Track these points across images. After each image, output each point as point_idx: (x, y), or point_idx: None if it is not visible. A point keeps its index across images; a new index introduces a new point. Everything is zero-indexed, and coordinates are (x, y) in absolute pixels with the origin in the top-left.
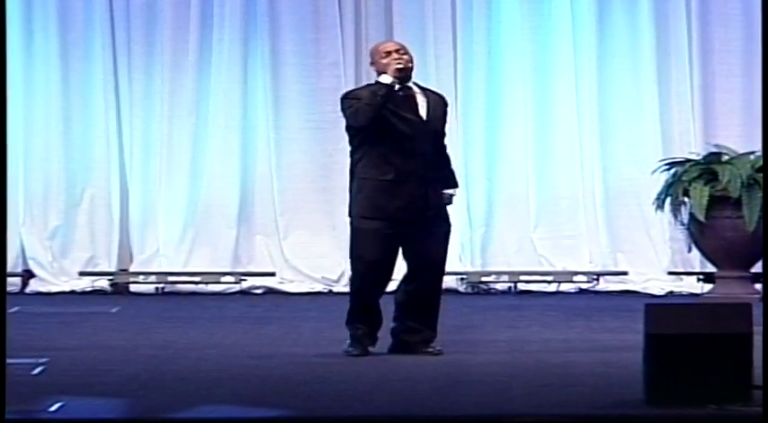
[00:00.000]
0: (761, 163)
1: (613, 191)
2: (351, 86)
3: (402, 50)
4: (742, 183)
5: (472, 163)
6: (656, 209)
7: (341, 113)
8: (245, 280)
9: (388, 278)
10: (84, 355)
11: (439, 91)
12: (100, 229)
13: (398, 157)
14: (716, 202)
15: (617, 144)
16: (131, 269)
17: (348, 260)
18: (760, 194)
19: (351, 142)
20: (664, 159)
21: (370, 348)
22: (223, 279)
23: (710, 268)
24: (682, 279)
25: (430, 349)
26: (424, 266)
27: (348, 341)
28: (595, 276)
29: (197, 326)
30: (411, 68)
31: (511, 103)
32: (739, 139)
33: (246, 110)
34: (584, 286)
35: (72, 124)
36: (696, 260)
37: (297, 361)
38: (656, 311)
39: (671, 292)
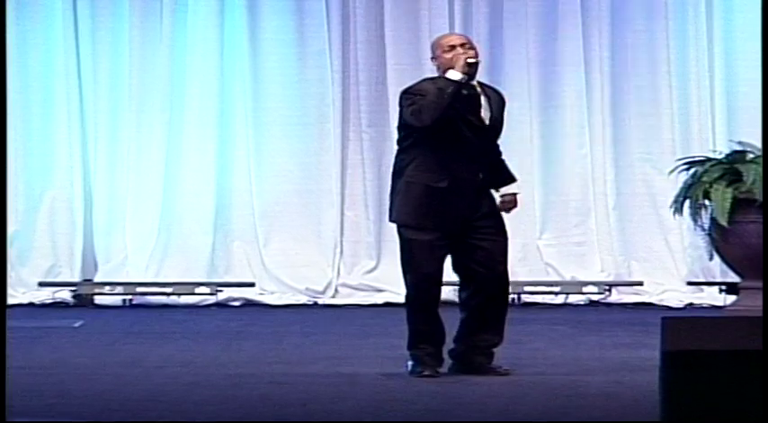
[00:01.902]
0: None
1: (626, 193)
2: (338, 77)
3: (468, 44)
4: None
5: None
6: (674, 213)
7: (327, 108)
8: (221, 291)
9: (440, 292)
10: (44, 374)
11: (497, 87)
12: (62, 234)
13: (456, 162)
14: (740, 205)
15: (630, 141)
16: (96, 279)
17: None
18: None
19: (401, 141)
20: (682, 158)
21: (439, 369)
22: (197, 290)
23: (734, 278)
24: (702, 290)
25: (496, 368)
26: (486, 282)
27: (410, 363)
28: (607, 287)
29: (168, 342)
30: (479, 64)
31: (514, 97)
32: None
33: (223, 104)
34: (595, 298)
35: (31, 119)
36: (718, 269)
37: (279, 381)
38: (673, 326)
39: (690, 305)
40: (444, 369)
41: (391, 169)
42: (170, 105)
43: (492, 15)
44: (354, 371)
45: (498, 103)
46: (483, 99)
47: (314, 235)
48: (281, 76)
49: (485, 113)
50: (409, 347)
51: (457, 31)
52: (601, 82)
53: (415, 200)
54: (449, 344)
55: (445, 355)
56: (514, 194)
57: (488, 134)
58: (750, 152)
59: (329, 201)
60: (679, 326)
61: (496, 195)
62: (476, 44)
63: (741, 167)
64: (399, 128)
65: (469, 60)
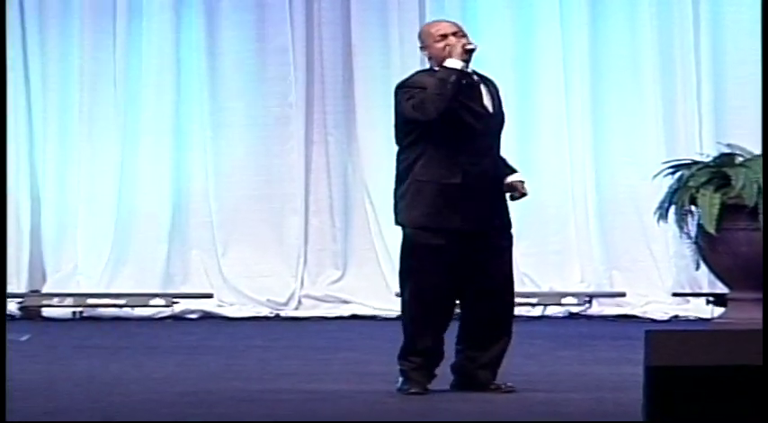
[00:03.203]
0: None
1: (608, 198)
2: (301, 75)
3: (460, 32)
4: (758, 189)
5: None
6: (659, 219)
7: (289, 108)
8: (177, 303)
9: (453, 304)
10: None
11: (488, 75)
12: (7, 243)
13: (467, 156)
14: (728, 211)
15: (612, 144)
16: (44, 290)
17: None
18: None
19: (402, 139)
20: (667, 161)
21: (428, 386)
22: (152, 302)
23: (722, 289)
24: (688, 302)
25: (501, 385)
26: (497, 288)
27: (400, 379)
28: (587, 298)
29: (122, 356)
30: (474, 51)
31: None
32: (755, 138)
33: (179, 104)
34: (575, 310)
35: None
36: (705, 279)
37: (239, 397)
38: (658, 340)
39: (676, 317)
40: (445, 385)
41: (394, 171)
42: (123, 106)
43: (465, 12)
44: (320, 388)
45: (495, 91)
46: (482, 87)
47: (276, 243)
48: (241, 75)
49: (487, 101)
50: (399, 358)
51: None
52: (580, 80)
53: (428, 199)
54: (452, 356)
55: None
56: (521, 181)
57: (493, 123)
58: (739, 155)
59: (292, 207)
60: (664, 340)
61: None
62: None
63: (730, 171)
64: (398, 125)
65: (468, 46)
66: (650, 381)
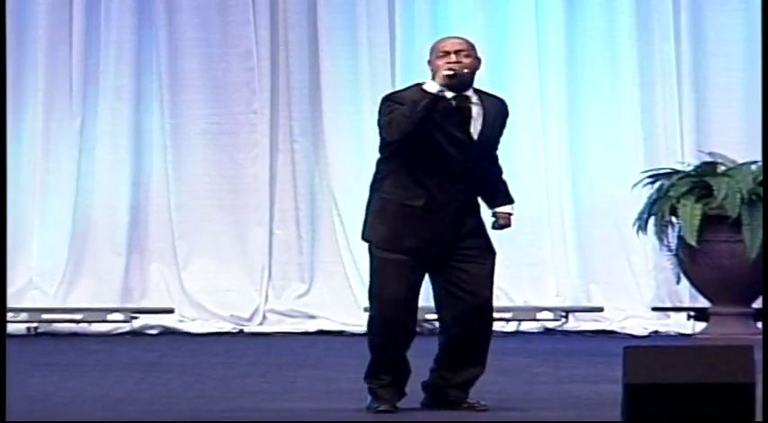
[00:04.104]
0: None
1: (586, 209)
2: (266, 81)
3: (464, 52)
4: (742, 199)
5: None
6: (638, 231)
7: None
8: (136, 318)
9: (414, 321)
10: None
11: (501, 96)
12: None
13: (435, 180)
14: (710, 222)
15: (590, 152)
16: None
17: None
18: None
19: (380, 150)
20: (647, 171)
21: (398, 404)
22: (110, 317)
23: (703, 303)
24: (668, 316)
25: (474, 404)
26: (469, 310)
27: (369, 397)
28: (564, 313)
29: (78, 374)
30: (466, 75)
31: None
32: (738, 147)
33: (138, 110)
34: (551, 325)
35: None
36: (686, 293)
37: (200, 417)
38: (637, 356)
39: (655, 333)
40: (415, 403)
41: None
42: (79, 112)
43: (436, 15)
44: (285, 406)
45: (495, 115)
46: (477, 112)
47: (239, 256)
48: (203, 80)
49: (474, 128)
50: (366, 377)
51: (397, 30)
52: (556, 86)
53: (390, 219)
54: (422, 375)
55: (416, 388)
56: (508, 214)
57: (474, 151)
58: (721, 164)
59: (256, 218)
60: (643, 356)
61: (488, 213)
62: (477, 50)
63: (711, 181)
64: (379, 136)
65: (446, 72)
66: (629, 398)
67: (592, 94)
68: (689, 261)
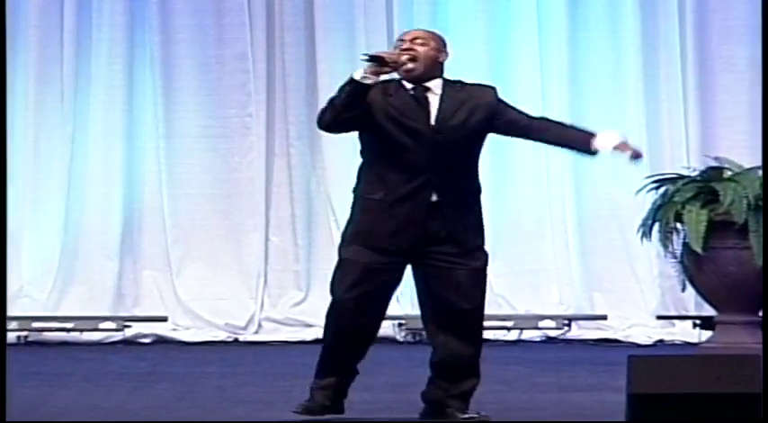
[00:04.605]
0: None
1: (588, 215)
2: (262, 83)
3: (420, 40)
4: (748, 205)
5: None
6: (642, 237)
7: (249, 118)
8: (129, 326)
9: (371, 324)
10: None
11: (488, 84)
12: None
13: (395, 173)
14: (716, 228)
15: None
16: None
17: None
18: None
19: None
20: (651, 176)
21: (330, 403)
22: (102, 325)
23: (709, 311)
24: (673, 325)
25: (473, 415)
26: (449, 320)
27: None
28: (566, 321)
29: (69, 384)
30: (405, 63)
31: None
32: (745, 151)
33: (131, 113)
34: (553, 334)
35: None
36: (691, 301)
37: None
38: (641, 366)
39: (660, 342)
40: (414, 413)
41: None
42: (72, 115)
43: (435, 17)
44: (280, 416)
45: (463, 103)
46: (436, 100)
47: (234, 262)
48: (197, 83)
49: (434, 117)
50: (314, 376)
51: (396, 29)
52: (558, 89)
53: (356, 215)
54: (421, 384)
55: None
56: (614, 142)
57: (438, 141)
58: (728, 169)
59: (252, 223)
60: (647, 365)
61: (610, 145)
62: (440, 43)
63: (717, 186)
64: None
65: (362, 56)
66: (633, 409)
67: (595, 96)
68: (694, 268)
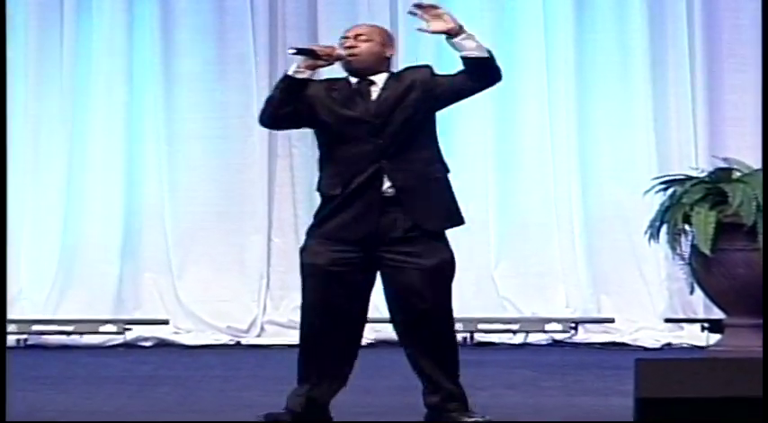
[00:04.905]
0: None
1: (595, 216)
2: (265, 84)
3: (363, 36)
4: (757, 206)
5: None
6: (650, 239)
7: (251, 119)
8: (129, 329)
9: (344, 328)
10: None
11: (420, 64)
12: None
13: (348, 166)
14: (725, 230)
15: (600, 157)
16: None
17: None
18: None
19: None
20: (659, 177)
21: (301, 411)
22: (102, 328)
23: (718, 314)
24: (682, 328)
25: (471, 418)
26: (410, 321)
27: None
28: (573, 324)
29: (70, 387)
30: (342, 56)
31: (466, 107)
32: (753, 152)
33: (131, 114)
34: (559, 337)
35: None
36: (700, 304)
37: None
38: (649, 369)
39: (668, 345)
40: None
41: None
42: (71, 115)
43: None
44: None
45: (400, 85)
46: (375, 89)
47: (236, 265)
48: (199, 83)
49: (370, 105)
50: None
51: (400, 33)
52: (565, 89)
53: (317, 214)
54: (414, 389)
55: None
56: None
57: (382, 128)
58: (736, 170)
59: (254, 225)
60: (655, 369)
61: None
62: (383, 37)
63: (726, 187)
64: None
65: (289, 51)
66: (641, 413)
67: (602, 96)
68: (703, 270)
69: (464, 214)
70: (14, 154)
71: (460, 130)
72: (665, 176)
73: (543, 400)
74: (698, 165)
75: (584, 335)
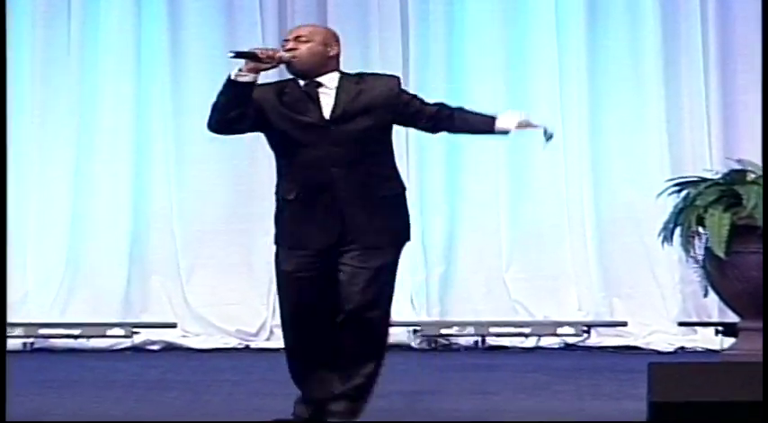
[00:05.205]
0: None
1: (608, 219)
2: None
3: (303, 38)
4: None
5: (427, 183)
6: (663, 242)
7: None
8: (137, 333)
9: (322, 326)
10: None
11: (387, 73)
12: None
13: (302, 171)
14: (739, 232)
15: (612, 158)
16: None
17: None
18: None
19: None
20: (672, 179)
21: (309, 416)
22: (110, 332)
23: (732, 318)
24: (695, 331)
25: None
26: (344, 317)
27: None
28: (585, 328)
29: (77, 392)
30: (283, 59)
31: (476, 108)
32: None
33: (139, 114)
34: (572, 340)
35: None
36: (714, 307)
37: None
38: (662, 373)
39: (682, 349)
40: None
41: None
42: (78, 116)
43: (451, 15)
44: None
45: (360, 93)
46: (331, 93)
47: (245, 267)
48: (208, 82)
49: (328, 110)
50: None
51: (411, 32)
52: (577, 89)
53: (278, 217)
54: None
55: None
56: (517, 121)
57: (334, 133)
58: (751, 171)
59: (262, 227)
60: (669, 373)
61: (513, 123)
62: (325, 37)
63: (740, 189)
64: None
65: (228, 54)
66: (654, 417)
67: (614, 97)
68: (717, 273)
69: (474, 218)
70: (20, 155)
71: (472, 137)
72: (678, 178)
73: (555, 405)
74: (712, 166)
75: (596, 338)
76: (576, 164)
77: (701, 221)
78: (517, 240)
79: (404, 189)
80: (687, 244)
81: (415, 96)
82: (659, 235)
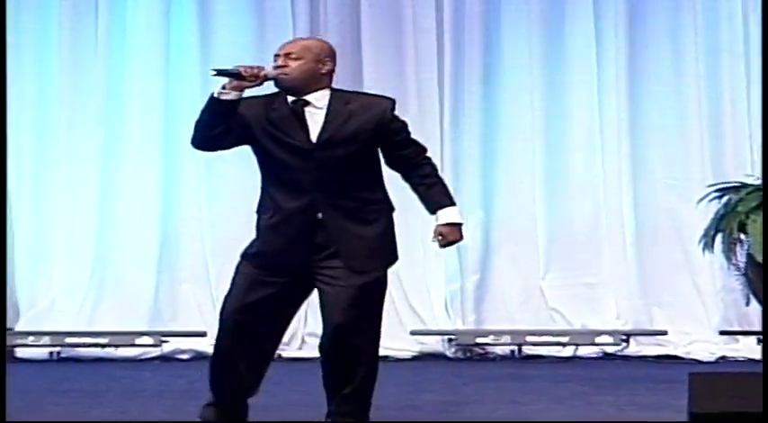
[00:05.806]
0: None
1: (647, 225)
2: None
3: (294, 55)
4: None
5: (464, 189)
6: (704, 249)
7: None
8: (166, 342)
9: (255, 343)
10: None
11: (385, 96)
12: None
13: (282, 192)
14: None
15: (652, 164)
16: (18, 328)
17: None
18: None
19: None
20: (713, 184)
21: (215, 420)
22: (138, 341)
23: None
24: (737, 340)
25: None
26: (325, 338)
27: None
28: (624, 337)
29: (104, 402)
30: (269, 76)
31: (513, 113)
32: None
33: (168, 119)
34: (610, 350)
35: None
36: (756, 316)
37: None
38: (703, 383)
39: (723, 358)
40: None
41: None
42: (106, 120)
43: (487, 12)
44: None
45: (351, 116)
46: (320, 114)
47: None
48: None
49: (313, 132)
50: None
51: (446, 32)
52: (616, 90)
53: (257, 235)
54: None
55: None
56: (457, 225)
57: (319, 156)
58: None
59: None
60: (710, 383)
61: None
62: (318, 53)
63: None
64: None
65: (211, 72)
66: None
67: (654, 100)
68: (759, 281)
69: (510, 224)
70: (48, 164)
71: (508, 138)
72: (719, 184)
73: (593, 415)
74: (753, 172)
75: (635, 347)
76: (614, 169)
77: (742, 228)
78: (554, 247)
79: (392, 210)
80: (729, 251)
81: (404, 128)
82: (700, 242)
